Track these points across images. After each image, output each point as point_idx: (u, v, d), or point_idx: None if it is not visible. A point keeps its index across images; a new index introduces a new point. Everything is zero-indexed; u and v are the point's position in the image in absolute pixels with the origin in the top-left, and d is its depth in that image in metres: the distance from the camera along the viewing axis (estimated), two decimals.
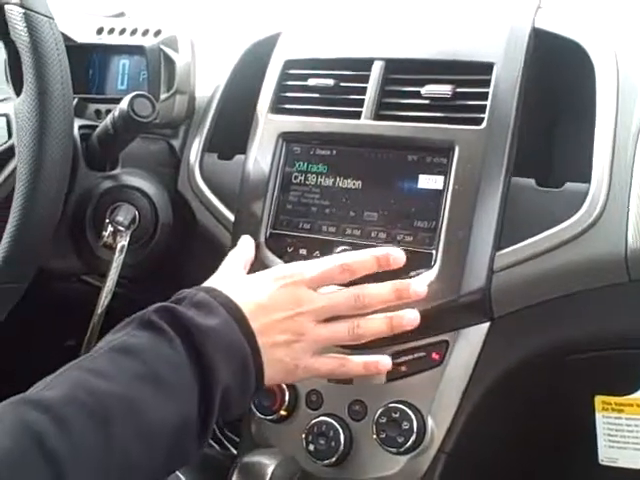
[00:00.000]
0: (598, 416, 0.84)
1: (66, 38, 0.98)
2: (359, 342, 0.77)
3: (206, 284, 0.74)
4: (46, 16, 0.78)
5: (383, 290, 0.76)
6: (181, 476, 0.88)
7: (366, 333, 0.76)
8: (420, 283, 0.77)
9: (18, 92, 0.79)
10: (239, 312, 0.69)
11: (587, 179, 0.77)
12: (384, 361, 0.78)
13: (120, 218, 0.89)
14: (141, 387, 0.61)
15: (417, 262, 0.80)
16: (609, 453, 0.84)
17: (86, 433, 0.57)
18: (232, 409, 0.68)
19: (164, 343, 0.64)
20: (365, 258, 0.77)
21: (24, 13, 0.76)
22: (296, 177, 0.88)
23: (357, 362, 0.77)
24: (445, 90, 0.82)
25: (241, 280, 0.76)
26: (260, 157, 0.90)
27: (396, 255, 0.77)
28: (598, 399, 0.83)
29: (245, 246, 0.84)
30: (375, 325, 0.76)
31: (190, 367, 0.64)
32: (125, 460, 0.59)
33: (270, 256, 0.87)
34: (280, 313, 0.72)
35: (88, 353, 0.64)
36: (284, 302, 0.73)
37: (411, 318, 0.77)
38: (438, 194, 0.81)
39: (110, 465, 0.58)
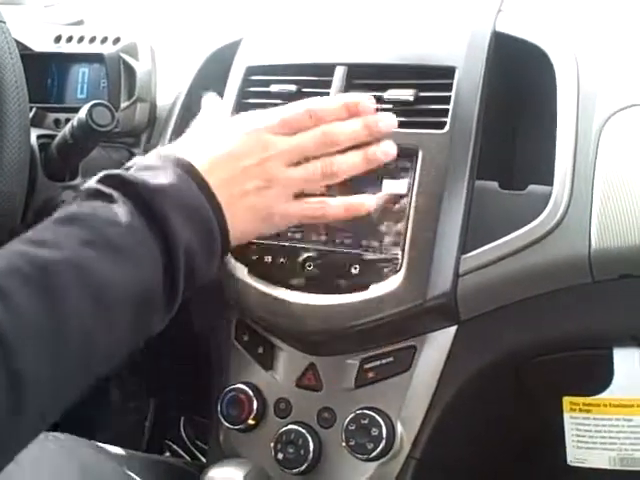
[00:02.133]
0: (566, 417, 0.84)
1: (23, 47, 0.97)
2: (334, 181, 0.72)
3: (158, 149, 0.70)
4: None
5: (352, 125, 0.72)
6: None
7: (340, 170, 0.71)
8: (390, 117, 0.73)
9: None
10: (192, 168, 0.64)
11: (550, 181, 0.78)
12: (368, 201, 0.73)
13: None
14: (91, 251, 0.56)
15: (383, 267, 0.80)
16: (578, 454, 0.84)
17: (32, 305, 0.52)
18: (199, 272, 0.63)
19: (114, 208, 0.59)
20: (333, 104, 0.72)
21: None
22: None
23: (338, 204, 0.73)
24: (407, 94, 0.82)
25: (195, 137, 0.70)
26: None
27: (366, 103, 0.73)
28: (566, 400, 0.84)
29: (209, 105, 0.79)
30: (350, 160, 0.72)
31: (146, 230, 0.59)
32: (79, 331, 0.54)
33: (235, 263, 0.86)
34: (245, 161, 0.68)
35: (31, 229, 0.59)
36: (248, 149, 0.68)
37: (387, 149, 0.72)
38: (402, 198, 0.80)
39: (62, 336, 0.53)
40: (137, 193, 0.60)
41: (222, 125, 0.71)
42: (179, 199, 0.62)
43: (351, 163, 0.72)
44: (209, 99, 0.79)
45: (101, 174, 0.63)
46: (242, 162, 0.67)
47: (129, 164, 0.66)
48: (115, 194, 0.60)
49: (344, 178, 0.72)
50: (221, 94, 0.93)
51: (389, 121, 0.73)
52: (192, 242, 0.61)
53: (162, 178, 0.62)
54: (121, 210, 0.59)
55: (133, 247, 0.58)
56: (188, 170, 0.64)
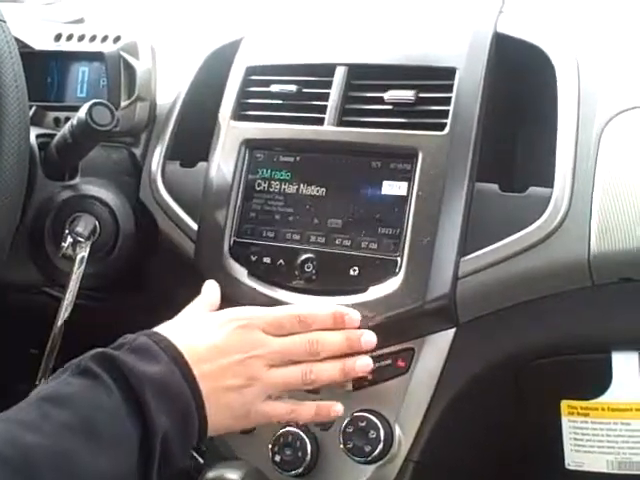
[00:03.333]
0: (564, 420, 0.84)
1: (23, 45, 0.97)
2: (312, 387, 0.76)
3: (155, 329, 0.71)
4: None
5: (336, 338, 0.75)
6: None
7: (319, 379, 0.75)
8: (371, 334, 0.76)
9: None
10: (181, 357, 0.67)
11: (550, 183, 0.77)
12: (336, 407, 0.77)
13: (80, 229, 0.87)
14: (72, 438, 0.58)
15: (382, 269, 0.79)
16: (576, 457, 0.84)
17: None
18: (174, 459, 0.65)
19: (99, 390, 0.62)
20: (322, 313, 0.76)
21: None
22: (259, 184, 0.87)
23: (309, 407, 0.76)
24: (408, 95, 0.82)
25: (191, 324, 0.73)
26: (223, 164, 0.89)
27: (353, 316, 0.76)
28: (564, 403, 0.83)
29: (209, 291, 0.81)
30: (328, 371, 0.75)
31: (127, 416, 0.61)
32: None
33: (234, 265, 0.86)
34: (232, 356, 0.70)
35: (17, 405, 0.60)
36: (237, 345, 0.71)
37: (363, 364, 0.76)
38: (402, 200, 0.80)
39: None
40: (125, 379, 0.63)
41: (216, 316, 0.74)
42: (163, 387, 0.64)
43: (328, 374, 0.75)
44: (210, 286, 0.81)
45: (94, 352, 0.65)
46: (229, 357, 0.70)
47: (121, 341, 0.68)
48: (103, 375, 0.62)
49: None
50: (221, 94, 0.93)
51: (370, 338, 0.76)
52: (170, 430, 0.64)
53: (151, 366, 0.65)
54: (107, 394, 0.62)
55: (114, 434, 0.60)
56: (176, 358, 0.67)
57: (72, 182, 0.91)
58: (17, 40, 0.81)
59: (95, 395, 0.61)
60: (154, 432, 0.62)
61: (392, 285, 0.79)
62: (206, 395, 0.67)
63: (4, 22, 0.77)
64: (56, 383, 0.62)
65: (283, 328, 0.74)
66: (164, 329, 0.71)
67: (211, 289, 0.81)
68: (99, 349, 0.65)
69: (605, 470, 0.82)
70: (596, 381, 0.82)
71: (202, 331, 0.71)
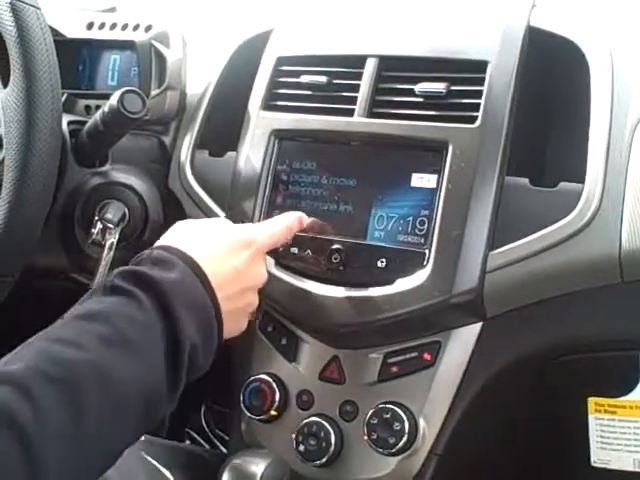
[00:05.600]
0: (591, 418, 0.83)
1: (56, 33, 0.98)
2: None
3: (160, 242, 0.73)
4: (33, 6, 0.77)
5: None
6: (169, 475, 0.88)
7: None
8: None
9: (5, 83, 0.77)
10: (198, 267, 0.69)
11: (581, 179, 0.77)
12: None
13: (109, 215, 0.88)
14: (110, 351, 0.60)
15: (410, 261, 0.79)
16: (602, 455, 0.84)
17: (55, 406, 0.55)
18: (198, 367, 0.67)
19: (132, 305, 0.63)
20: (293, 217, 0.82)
21: (10, 3, 0.75)
22: (288, 175, 0.87)
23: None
24: (439, 88, 0.82)
25: (195, 236, 0.74)
26: (252, 154, 0.89)
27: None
28: (591, 401, 0.83)
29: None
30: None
31: (159, 325, 0.63)
32: (97, 429, 0.57)
33: None
34: (243, 284, 0.73)
35: (52, 325, 0.62)
36: (248, 277, 0.74)
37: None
38: (431, 193, 0.80)
39: (82, 436, 0.56)
40: (155, 290, 0.64)
41: (228, 236, 0.75)
42: (189, 299, 0.66)
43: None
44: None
45: (118, 270, 0.66)
46: (235, 263, 0.73)
47: (139, 257, 0.69)
48: (134, 290, 0.64)
49: None
50: (251, 84, 0.93)
51: None
52: (196, 342, 0.66)
53: (174, 275, 0.66)
54: (139, 308, 0.63)
55: (147, 344, 0.62)
56: (196, 269, 0.68)
57: (102, 169, 0.92)
58: (50, 28, 0.81)
59: (128, 309, 0.63)
60: (183, 340, 0.64)
61: (420, 278, 0.78)
62: (221, 304, 0.70)
63: (39, 9, 0.78)
64: (88, 303, 0.64)
65: (277, 244, 0.80)
66: (170, 239, 0.72)
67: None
68: (123, 267, 0.67)
69: (631, 469, 0.82)
70: (624, 379, 0.81)
71: (206, 246, 0.72)
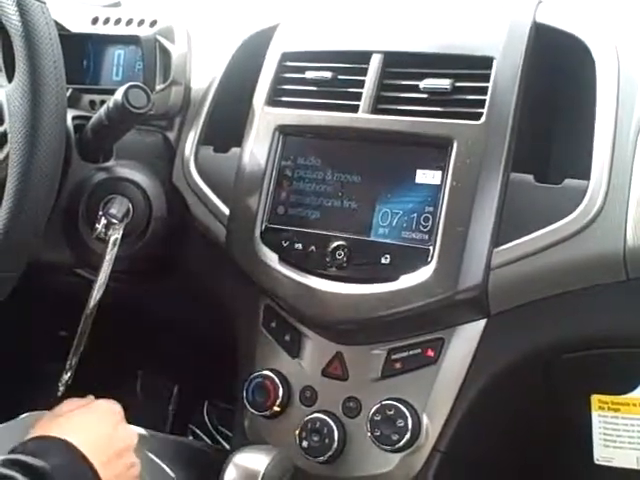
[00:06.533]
0: (594, 415, 0.83)
1: (61, 27, 0.97)
2: None
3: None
4: (38, 0, 0.77)
5: None
6: (171, 472, 0.88)
7: None
8: None
9: (10, 78, 0.77)
10: (76, 450, 0.71)
11: (587, 176, 0.77)
12: None
13: (113, 211, 0.88)
14: None
15: (414, 258, 0.79)
16: (605, 452, 0.84)
17: None
18: None
19: None
20: None
21: None
22: (292, 171, 0.87)
23: None
24: (444, 84, 0.81)
25: (74, 419, 0.77)
26: (256, 150, 0.89)
27: None
28: (594, 398, 0.83)
29: None
30: None
31: None
32: None
33: (265, 251, 0.86)
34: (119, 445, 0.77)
35: None
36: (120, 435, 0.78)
37: None
38: (436, 189, 0.80)
39: None
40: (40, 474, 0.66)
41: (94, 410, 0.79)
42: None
43: None
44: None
45: (2, 458, 0.68)
46: (116, 446, 0.76)
47: (16, 448, 0.70)
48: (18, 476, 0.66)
49: None
50: (256, 80, 0.92)
51: None
52: None
53: (51, 459, 0.68)
54: None
55: None
56: (74, 451, 0.71)
57: (107, 164, 0.92)
58: (55, 22, 0.81)
59: None
60: None
61: (424, 274, 0.78)
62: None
63: (44, 3, 0.78)
64: None
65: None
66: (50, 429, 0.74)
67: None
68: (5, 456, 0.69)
69: (635, 466, 0.82)
70: (627, 376, 0.81)
71: (85, 426, 0.76)
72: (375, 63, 0.85)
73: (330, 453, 0.82)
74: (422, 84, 0.82)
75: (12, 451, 0.70)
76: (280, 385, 0.86)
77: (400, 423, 0.79)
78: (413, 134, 0.82)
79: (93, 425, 0.77)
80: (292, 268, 0.84)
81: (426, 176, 0.81)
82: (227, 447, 1.28)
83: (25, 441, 0.72)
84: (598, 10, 0.84)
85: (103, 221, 0.87)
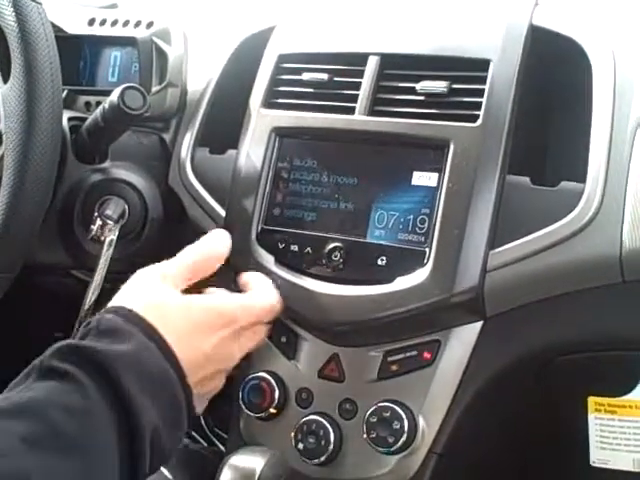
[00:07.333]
0: (591, 417, 0.83)
1: (57, 29, 0.97)
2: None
3: (117, 300, 0.64)
4: (34, 1, 0.77)
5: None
6: (168, 474, 0.88)
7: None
8: None
9: (6, 78, 0.77)
10: (155, 332, 0.59)
11: (582, 178, 0.77)
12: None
13: (109, 212, 0.88)
14: (32, 454, 0.48)
15: (410, 260, 0.79)
16: (601, 455, 0.83)
17: None
18: (165, 454, 0.58)
19: (70, 390, 0.52)
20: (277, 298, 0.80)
21: None
22: (288, 173, 0.87)
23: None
24: (440, 86, 0.81)
25: (161, 300, 0.65)
26: (252, 152, 0.89)
27: None
28: (591, 400, 0.83)
29: (217, 241, 0.78)
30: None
31: (107, 415, 0.53)
32: None
33: (261, 252, 0.86)
34: (213, 367, 0.69)
35: None
36: (219, 358, 0.70)
37: None
38: (432, 191, 0.80)
39: None
40: (99, 370, 0.54)
41: (202, 311, 0.69)
42: (145, 372, 0.57)
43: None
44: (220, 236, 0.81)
45: (57, 346, 0.56)
46: (205, 346, 0.67)
47: (89, 326, 0.59)
48: (73, 371, 0.54)
49: None
50: (252, 81, 0.92)
51: None
52: (159, 423, 0.56)
53: (126, 345, 0.57)
54: (80, 393, 0.53)
55: (92, 442, 0.52)
56: (152, 335, 0.60)
57: (102, 165, 0.92)
58: (51, 24, 0.81)
59: (64, 397, 0.52)
60: (142, 430, 0.54)
61: (420, 276, 0.78)
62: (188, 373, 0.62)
63: (40, 5, 0.78)
64: (16, 392, 0.53)
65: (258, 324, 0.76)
66: (130, 301, 0.63)
67: (220, 239, 0.79)
68: (62, 342, 0.56)
69: (631, 469, 0.82)
70: (624, 378, 0.81)
71: (168, 310, 0.64)
72: (372, 65, 0.85)
73: (326, 455, 0.82)
74: (419, 86, 0.82)
75: (86, 328, 0.58)
76: (276, 387, 0.85)
77: (396, 425, 0.79)
78: (410, 136, 0.82)
79: (198, 336, 0.65)
80: (288, 270, 0.84)
81: (422, 178, 0.81)
82: (223, 449, 1.27)
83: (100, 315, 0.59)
84: (595, 13, 0.84)
85: (98, 222, 0.87)
